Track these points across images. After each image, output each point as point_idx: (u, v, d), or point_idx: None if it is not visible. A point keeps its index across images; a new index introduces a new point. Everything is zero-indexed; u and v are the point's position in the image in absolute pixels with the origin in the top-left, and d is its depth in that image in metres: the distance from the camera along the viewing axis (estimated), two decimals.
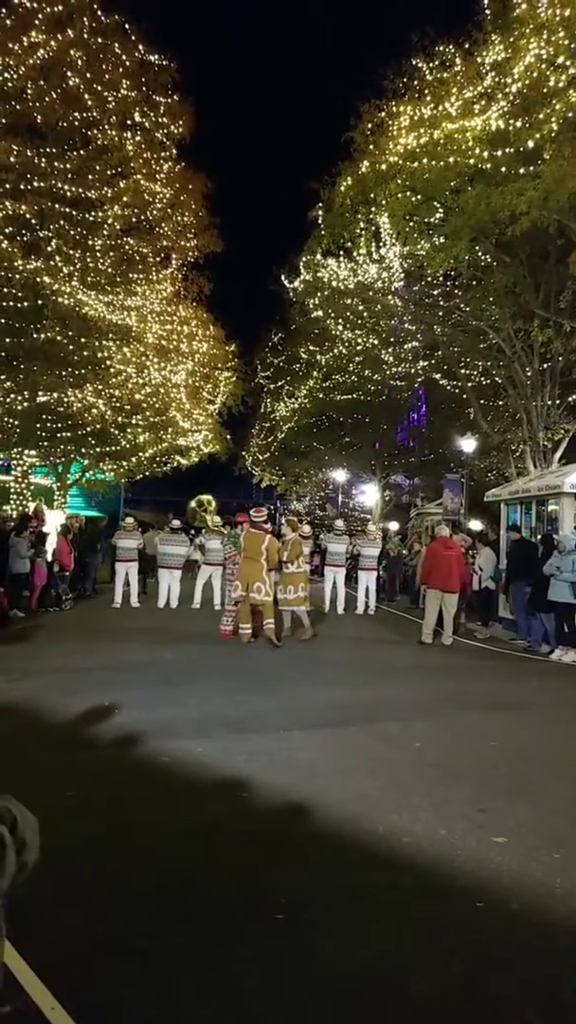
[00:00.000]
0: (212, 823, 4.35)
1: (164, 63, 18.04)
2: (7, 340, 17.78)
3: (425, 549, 14.65)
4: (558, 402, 18.03)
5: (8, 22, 15.59)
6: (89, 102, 16.92)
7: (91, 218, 17.61)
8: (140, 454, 24.19)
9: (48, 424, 20.43)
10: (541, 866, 3.88)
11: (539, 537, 12.65)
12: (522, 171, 13.17)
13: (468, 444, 21.42)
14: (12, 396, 18.64)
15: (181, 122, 18.81)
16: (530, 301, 16.73)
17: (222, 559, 14.71)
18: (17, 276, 16.52)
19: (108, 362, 18.99)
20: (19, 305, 17.20)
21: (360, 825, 4.31)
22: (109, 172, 17.80)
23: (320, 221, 17.83)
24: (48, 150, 16.87)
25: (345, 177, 16.25)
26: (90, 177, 17.33)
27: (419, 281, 19.15)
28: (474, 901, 3.50)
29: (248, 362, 29.05)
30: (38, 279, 16.70)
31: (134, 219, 18.81)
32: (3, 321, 17.47)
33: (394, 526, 25.75)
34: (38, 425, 20.05)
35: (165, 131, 18.66)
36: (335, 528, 17.21)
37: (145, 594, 16.75)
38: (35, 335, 17.72)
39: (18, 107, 16.18)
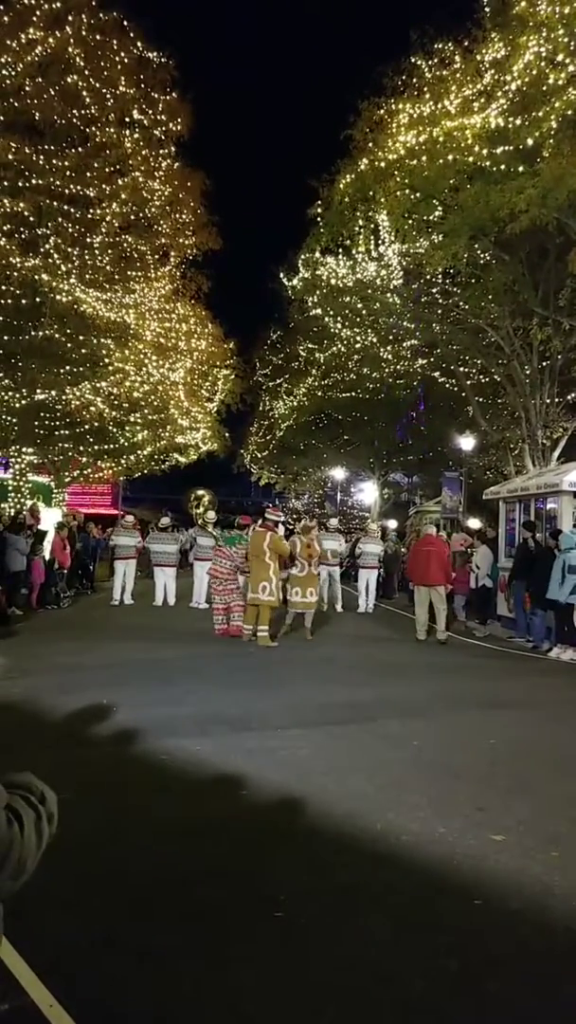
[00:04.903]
0: (210, 821, 4.35)
1: (163, 60, 17.99)
2: (5, 338, 17.74)
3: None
4: (557, 400, 18.03)
5: (6, 19, 15.52)
6: (87, 99, 16.86)
7: (89, 215, 17.55)
8: (138, 452, 24.17)
9: (46, 422, 20.41)
10: (539, 864, 3.88)
11: (547, 532, 12.58)
12: (521, 169, 13.15)
13: (467, 442, 21.42)
14: (10, 394, 18.61)
15: (180, 119, 18.74)
16: (529, 299, 16.72)
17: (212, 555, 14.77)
18: (15, 274, 16.48)
19: (106, 360, 18.96)
20: (17, 303, 17.17)
21: (358, 823, 4.31)
22: (107, 170, 17.74)
23: (319, 219, 17.80)
24: (46, 147, 16.81)
25: (344, 175, 16.21)
26: (88, 175, 17.27)
27: (418, 279, 19.11)
28: (472, 899, 3.50)
29: (247, 360, 28.97)
30: (36, 277, 16.65)
31: (132, 217, 18.75)
32: (1, 319, 17.44)
33: (393, 524, 25.76)
34: (36, 423, 20.03)
35: (163, 129, 18.60)
36: (329, 526, 17.24)
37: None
38: (33, 333, 17.68)
39: (16, 104, 16.12)
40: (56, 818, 1.40)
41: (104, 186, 17.56)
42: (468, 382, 21.42)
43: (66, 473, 23.04)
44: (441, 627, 12.17)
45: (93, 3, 16.76)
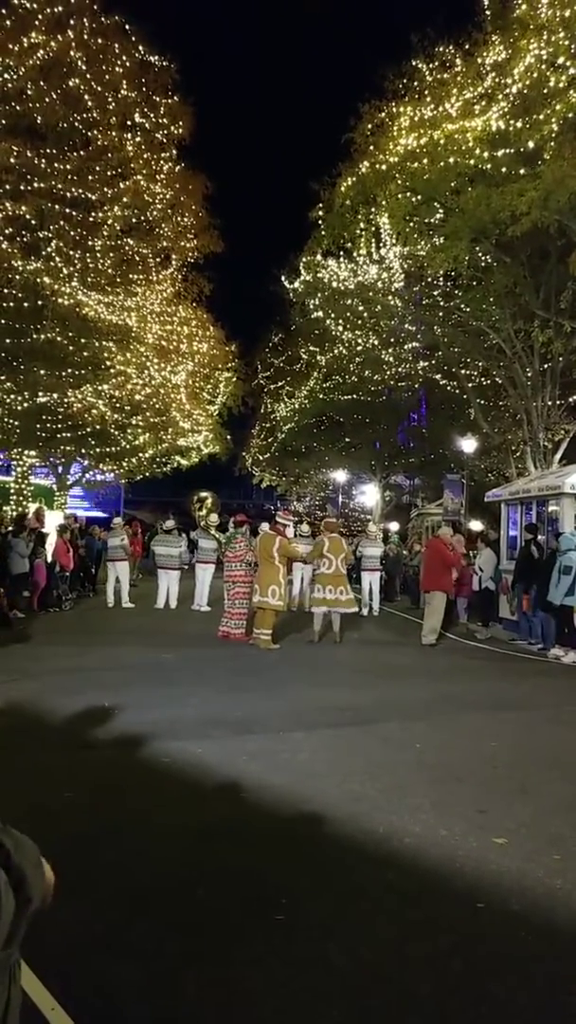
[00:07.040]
0: (212, 824, 4.34)
1: (164, 64, 18.07)
2: (7, 341, 17.79)
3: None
4: (558, 402, 18.03)
5: (8, 23, 15.57)
6: (89, 103, 16.92)
7: (91, 219, 17.61)
8: (140, 454, 24.22)
9: (48, 424, 20.45)
10: (541, 867, 3.87)
11: (549, 534, 12.54)
12: (522, 171, 13.18)
13: (468, 444, 21.41)
14: (12, 396, 18.66)
15: (181, 123, 18.81)
16: (530, 301, 16.74)
17: (215, 558, 14.77)
18: (17, 277, 16.52)
19: (108, 363, 19.00)
20: (19, 306, 17.21)
21: (360, 826, 4.31)
22: (109, 173, 17.80)
23: (320, 221, 17.84)
24: (48, 151, 16.86)
25: (345, 177, 16.25)
26: (90, 178, 17.33)
27: (419, 281, 19.15)
28: (475, 902, 3.49)
29: (248, 362, 29.11)
30: (38, 280, 16.70)
31: (134, 220, 18.82)
32: (3, 322, 17.48)
33: (394, 526, 25.73)
34: (38, 425, 20.07)
35: (165, 132, 18.67)
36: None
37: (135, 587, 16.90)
38: (35, 336, 17.72)
39: (18, 108, 16.17)
40: (32, 879, 1.11)
41: (106, 189, 17.62)
42: (469, 384, 21.43)
43: (68, 476, 23.09)
44: (424, 630, 12.05)
45: (95, 7, 16.82)
